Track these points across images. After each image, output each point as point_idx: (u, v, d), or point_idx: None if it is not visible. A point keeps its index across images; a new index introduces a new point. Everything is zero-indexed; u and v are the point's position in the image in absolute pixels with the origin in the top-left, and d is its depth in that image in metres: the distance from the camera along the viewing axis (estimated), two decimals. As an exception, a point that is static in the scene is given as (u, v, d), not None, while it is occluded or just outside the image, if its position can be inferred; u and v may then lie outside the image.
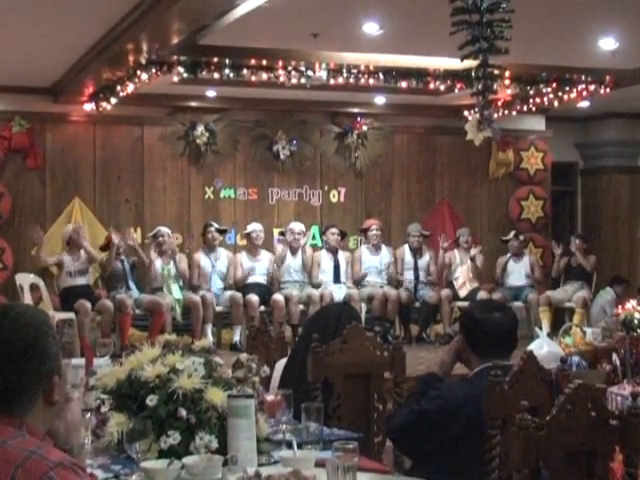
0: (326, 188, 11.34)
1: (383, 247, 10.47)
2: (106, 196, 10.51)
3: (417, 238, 10.48)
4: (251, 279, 9.93)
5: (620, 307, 7.29)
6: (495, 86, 5.10)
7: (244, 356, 3.31)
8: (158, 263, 9.59)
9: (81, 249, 9.37)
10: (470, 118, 5.23)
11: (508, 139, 11.36)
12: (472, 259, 10.42)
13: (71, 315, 9.04)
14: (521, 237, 10.85)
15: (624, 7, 6.84)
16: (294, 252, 10.10)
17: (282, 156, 10.99)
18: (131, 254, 9.73)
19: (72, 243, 9.39)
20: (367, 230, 10.47)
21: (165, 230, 9.79)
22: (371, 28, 7.35)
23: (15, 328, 1.92)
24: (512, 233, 10.84)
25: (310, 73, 8.55)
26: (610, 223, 12.36)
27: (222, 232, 10.19)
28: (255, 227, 10.10)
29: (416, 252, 10.47)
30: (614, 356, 6.79)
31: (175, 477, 2.71)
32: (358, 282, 10.27)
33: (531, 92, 9.43)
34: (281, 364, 4.23)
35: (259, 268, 9.98)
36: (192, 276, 9.79)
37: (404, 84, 8.94)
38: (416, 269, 10.45)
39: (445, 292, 10.29)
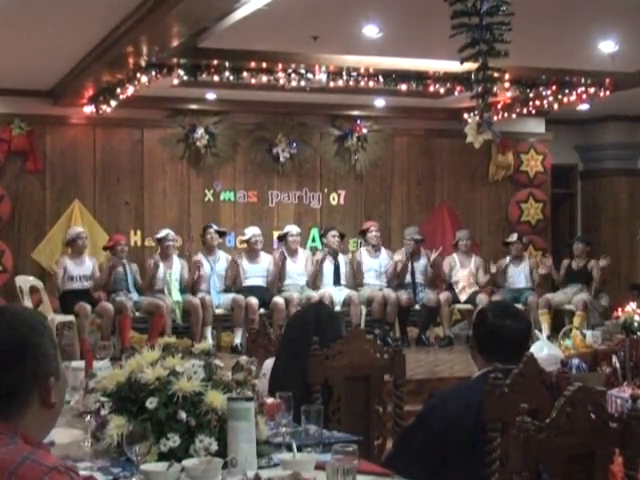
0: (326, 191, 11.34)
1: (382, 249, 10.47)
2: (106, 199, 10.51)
3: (410, 242, 10.48)
4: (251, 282, 9.93)
5: (620, 310, 7.30)
6: (495, 89, 5.10)
7: (244, 359, 3.31)
8: (161, 266, 9.59)
9: (84, 255, 9.38)
10: (470, 121, 5.21)
11: (508, 142, 11.36)
12: (476, 270, 10.46)
13: (71, 318, 9.04)
14: (524, 239, 10.86)
15: (624, 10, 6.84)
16: (293, 256, 10.12)
17: (282, 159, 10.99)
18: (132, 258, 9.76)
19: (74, 246, 9.40)
20: (366, 231, 10.48)
21: (173, 235, 9.79)
22: (371, 31, 7.35)
23: (8, 328, 1.90)
24: (514, 236, 10.82)
25: (310, 76, 8.56)
26: (610, 225, 12.36)
27: (222, 234, 10.20)
28: (254, 232, 10.08)
29: (412, 256, 10.47)
30: (614, 359, 6.80)
31: (175, 480, 2.71)
32: (360, 283, 10.28)
33: (531, 95, 9.43)
34: (268, 363, 4.20)
35: (259, 270, 9.99)
36: (192, 278, 9.79)
37: (404, 87, 8.94)
38: (412, 272, 10.45)
39: (445, 295, 10.29)
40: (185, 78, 8.50)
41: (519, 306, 9.87)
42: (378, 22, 7.17)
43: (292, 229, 10.25)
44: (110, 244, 9.68)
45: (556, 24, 7.14)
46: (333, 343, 4.12)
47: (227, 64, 8.37)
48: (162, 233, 9.76)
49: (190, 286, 9.74)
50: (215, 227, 10.07)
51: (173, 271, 9.64)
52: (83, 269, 9.36)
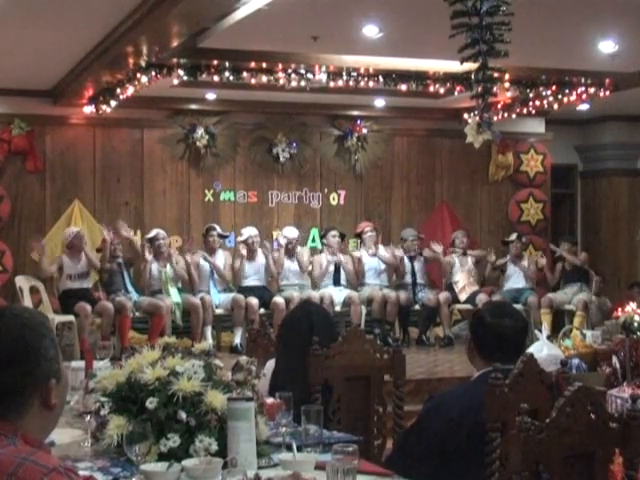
0: (326, 191, 11.34)
1: (381, 248, 10.47)
2: (106, 199, 10.51)
3: (414, 242, 10.49)
4: (250, 281, 9.93)
5: (620, 310, 7.30)
6: (495, 89, 5.09)
7: (244, 359, 3.31)
8: (154, 266, 9.60)
9: (82, 252, 9.37)
10: (470, 121, 5.21)
11: (508, 142, 11.36)
12: (477, 261, 10.52)
13: (71, 318, 9.03)
14: (523, 239, 10.87)
15: (624, 10, 6.84)
16: (291, 256, 10.12)
17: (282, 159, 10.99)
18: (126, 251, 9.73)
19: (73, 247, 9.39)
20: (362, 233, 10.49)
21: (163, 234, 9.80)
22: (371, 31, 7.36)
23: (9, 329, 1.89)
24: (514, 235, 10.85)
25: (310, 76, 8.55)
26: (610, 225, 12.37)
27: (223, 237, 10.22)
28: (250, 232, 10.08)
29: (412, 256, 10.49)
30: (614, 359, 6.80)
31: (175, 480, 2.71)
32: (361, 282, 10.28)
33: (531, 95, 9.43)
34: (270, 364, 4.20)
35: (258, 269, 9.99)
36: (192, 275, 9.78)
37: (404, 87, 8.94)
38: (413, 273, 10.46)
39: (444, 295, 10.30)
40: (185, 78, 8.50)
41: (519, 306, 9.90)
42: (378, 22, 7.17)
43: (289, 233, 10.23)
44: (101, 246, 9.66)
45: (556, 24, 7.14)
46: (327, 343, 4.11)
47: (227, 64, 8.37)
48: (152, 233, 9.77)
49: (188, 282, 9.77)
50: (219, 230, 10.06)
51: (168, 270, 9.64)
52: (82, 267, 9.36)
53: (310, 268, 10.30)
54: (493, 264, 10.69)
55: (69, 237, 9.45)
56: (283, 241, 10.15)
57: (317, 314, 4.25)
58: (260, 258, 10.03)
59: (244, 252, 9.95)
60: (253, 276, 9.97)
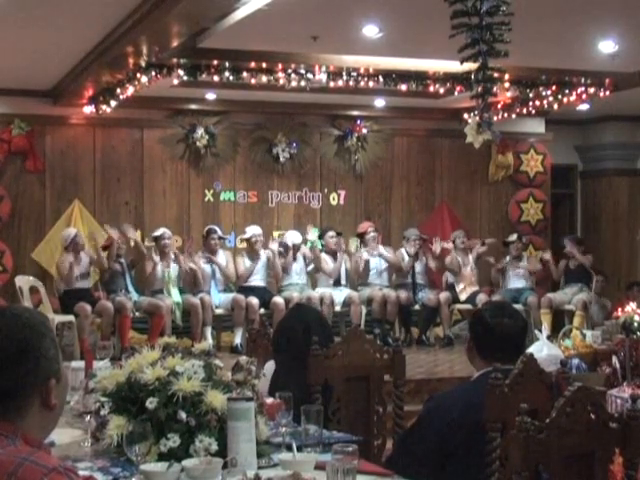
0: (326, 191, 11.34)
1: (380, 247, 10.46)
2: (106, 199, 10.51)
3: (416, 242, 10.48)
4: (250, 281, 9.93)
5: (620, 310, 7.30)
6: (495, 89, 5.09)
7: (244, 359, 3.31)
8: (159, 266, 9.59)
9: (81, 253, 9.37)
10: (470, 121, 5.21)
11: (508, 142, 11.36)
12: (479, 257, 10.52)
13: (71, 318, 9.03)
14: (524, 239, 10.87)
15: (624, 10, 6.85)
16: (295, 259, 10.12)
17: (282, 159, 10.99)
18: (130, 253, 9.74)
19: (72, 248, 9.38)
20: (364, 234, 10.48)
21: (169, 233, 9.79)
22: (371, 31, 7.36)
23: (10, 329, 1.89)
24: (514, 235, 10.85)
25: (310, 76, 8.56)
26: (610, 225, 12.37)
27: (222, 239, 10.22)
28: (254, 231, 10.08)
29: (417, 256, 10.50)
30: (614, 359, 6.80)
31: (175, 480, 2.71)
32: (364, 282, 10.28)
33: (531, 95, 9.44)
34: (270, 364, 4.19)
35: (259, 269, 9.99)
36: (197, 279, 9.77)
37: (404, 87, 8.94)
38: (413, 273, 10.46)
39: (444, 295, 10.30)
40: (185, 78, 8.50)
41: (519, 306, 9.89)
42: (378, 22, 7.17)
43: (292, 237, 10.22)
44: (106, 243, 9.67)
45: (556, 24, 7.14)
46: (324, 343, 4.11)
47: (227, 64, 8.37)
48: (158, 232, 9.76)
49: (192, 282, 9.77)
50: (219, 233, 10.06)
51: (172, 270, 9.63)
52: (82, 267, 9.36)
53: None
54: (495, 268, 10.73)
55: (67, 239, 9.44)
56: (289, 244, 10.13)
57: (311, 316, 4.25)
58: (261, 258, 10.03)
59: (262, 252, 9.94)
60: (254, 276, 9.97)
